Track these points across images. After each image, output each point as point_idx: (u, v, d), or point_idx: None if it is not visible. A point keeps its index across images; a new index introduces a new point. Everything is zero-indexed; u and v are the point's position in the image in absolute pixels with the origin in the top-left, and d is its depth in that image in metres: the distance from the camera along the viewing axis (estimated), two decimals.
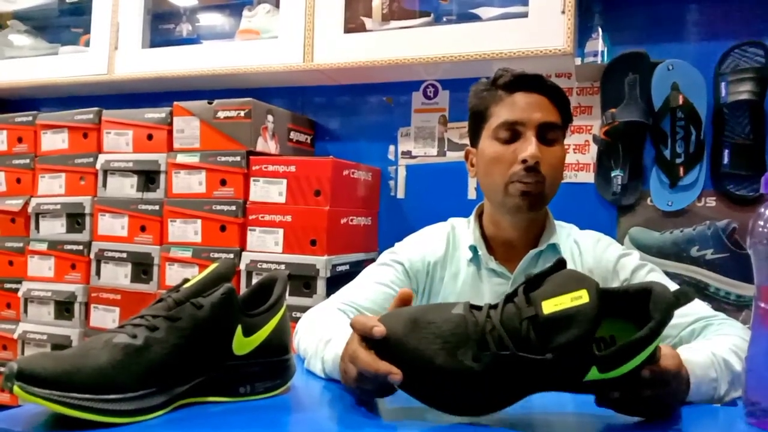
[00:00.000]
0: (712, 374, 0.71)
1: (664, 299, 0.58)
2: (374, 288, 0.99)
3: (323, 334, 0.82)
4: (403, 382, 0.59)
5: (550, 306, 0.56)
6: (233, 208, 1.52)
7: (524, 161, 0.94)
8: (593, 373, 0.57)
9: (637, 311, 0.60)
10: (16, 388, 0.52)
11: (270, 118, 1.63)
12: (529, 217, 1.00)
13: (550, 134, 0.98)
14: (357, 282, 1.03)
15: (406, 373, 0.59)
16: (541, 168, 0.95)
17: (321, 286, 1.43)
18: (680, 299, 0.58)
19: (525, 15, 1.43)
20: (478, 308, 0.61)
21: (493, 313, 0.59)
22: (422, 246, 1.06)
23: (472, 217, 1.08)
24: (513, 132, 0.97)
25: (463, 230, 1.08)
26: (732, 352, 0.76)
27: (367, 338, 0.62)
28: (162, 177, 1.62)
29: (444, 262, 1.05)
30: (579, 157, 1.59)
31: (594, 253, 1.03)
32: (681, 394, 0.67)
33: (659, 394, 0.61)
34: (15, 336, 1.75)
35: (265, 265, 1.47)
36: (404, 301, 0.68)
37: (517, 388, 0.59)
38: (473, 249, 1.03)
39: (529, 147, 0.94)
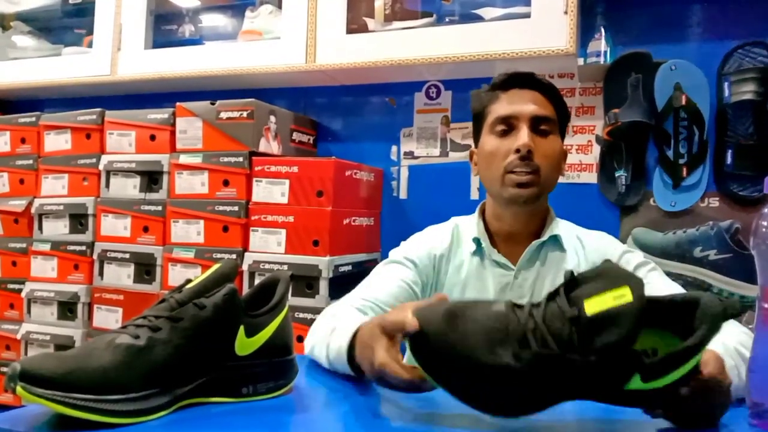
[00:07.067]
0: (730, 361, 0.70)
1: (712, 309, 0.56)
2: (393, 283, 1.00)
3: (331, 323, 0.84)
4: (438, 375, 0.58)
5: (592, 306, 0.54)
6: (236, 208, 1.52)
7: (517, 150, 0.98)
8: (635, 382, 0.55)
9: (679, 323, 0.58)
10: (19, 389, 0.52)
11: (272, 118, 1.63)
12: (528, 208, 1.02)
13: (543, 126, 1.01)
14: (371, 280, 1.04)
15: (442, 367, 0.58)
16: (534, 158, 0.98)
17: (323, 286, 1.43)
18: (728, 310, 0.57)
19: (528, 15, 1.43)
20: (520, 306, 0.60)
21: (535, 311, 0.58)
22: (428, 242, 1.08)
23: (475, 213, 1.11)
24: (508, 125, 1.01)
25: (466, 226, 1.10)
26: (741, 344, 0.77)
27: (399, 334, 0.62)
28: (165, 178, 1.62)
29: (449, 255, 1.07)
30: (582, 158, 1.58)
31: (597, 247, 1.05)
32: (724, 398, 0.63)
33: (703, 405, 0.59)
34: (18, 336, 1.75)
35: (267, 266, 1.47)
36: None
37: (556, 391, 0.57)
38: (477, 241, 1.05)
39: (521, 137, 0.98)
